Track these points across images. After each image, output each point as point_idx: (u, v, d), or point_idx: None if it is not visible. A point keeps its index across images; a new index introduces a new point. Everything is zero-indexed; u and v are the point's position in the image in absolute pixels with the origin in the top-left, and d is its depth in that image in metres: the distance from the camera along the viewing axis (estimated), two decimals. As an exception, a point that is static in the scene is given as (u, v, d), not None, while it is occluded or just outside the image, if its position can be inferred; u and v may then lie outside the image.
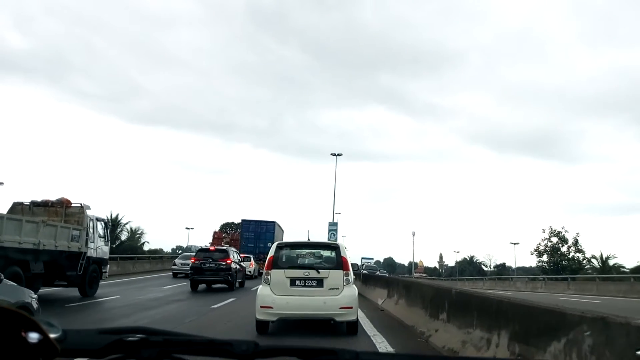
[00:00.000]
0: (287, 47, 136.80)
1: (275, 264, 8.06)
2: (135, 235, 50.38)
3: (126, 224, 47.00)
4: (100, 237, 15.57)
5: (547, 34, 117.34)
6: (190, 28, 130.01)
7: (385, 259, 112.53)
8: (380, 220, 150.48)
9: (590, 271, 42.01)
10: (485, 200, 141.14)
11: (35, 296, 6.70)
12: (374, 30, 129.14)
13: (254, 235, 35.21)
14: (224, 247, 21.36)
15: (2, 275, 6.07)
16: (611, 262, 42.35)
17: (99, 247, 15.35)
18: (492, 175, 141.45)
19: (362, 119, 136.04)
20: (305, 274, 7.95)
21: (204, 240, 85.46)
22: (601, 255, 43.21)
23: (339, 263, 8.10)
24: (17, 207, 14.04)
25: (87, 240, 14.30)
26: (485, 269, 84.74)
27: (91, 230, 14.80)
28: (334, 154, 37.31)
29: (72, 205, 14.61)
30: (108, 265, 16.58)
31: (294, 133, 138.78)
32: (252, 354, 1.00)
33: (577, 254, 47.26)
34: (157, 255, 40.07)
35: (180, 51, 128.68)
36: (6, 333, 0.79)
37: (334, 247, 8.67)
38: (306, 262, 8.51)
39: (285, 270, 8.01)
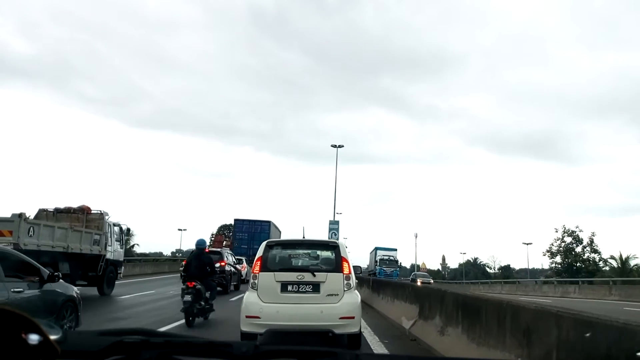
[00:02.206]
0: (288, 51, 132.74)
1: (264, 265, 6.61)
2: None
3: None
4: (116, 240, 16.20)
5: (547, 36, 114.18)
6: (192, 32, 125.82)
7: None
8: (382, 222, 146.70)
9: (609, 273, 38.17)
10: (486, 202, 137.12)
11: (79, 291, 7.48)
12: (375, 34, 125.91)
13: (247, 236, 31.73)
14: (218, 249, 20.75)
15: (60, 274, 6.99)
16: (632, 263, 38.60)
17: (115, 250, 15.98)
18: (494, 177, 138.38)
19: (363, 121, 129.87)
20: (299, 277, 6.51)
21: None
22: (620, 255, 39.20)
23: (339, 265, 6.64)
24: (42, 214, 14.45)
25: (105, 244, 14.89)
26: (489, 270, 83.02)
27: (109, 235, 15.37)
28: (334, 146, 33.43)
29: (92, 212, 15.18)
30: (123, 267, 17.40)
31: (295, 136, 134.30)
32: (251, 356, 0.97)
33: (593, 255, 43.34)
34: (135, 258, 36.17)
35: (182, 55, 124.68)
36: (6, 334, 0.76)
37: (333, 247, 7.11)
38: (300, 264, 6.98)
39: (276, 273, 6.56)
